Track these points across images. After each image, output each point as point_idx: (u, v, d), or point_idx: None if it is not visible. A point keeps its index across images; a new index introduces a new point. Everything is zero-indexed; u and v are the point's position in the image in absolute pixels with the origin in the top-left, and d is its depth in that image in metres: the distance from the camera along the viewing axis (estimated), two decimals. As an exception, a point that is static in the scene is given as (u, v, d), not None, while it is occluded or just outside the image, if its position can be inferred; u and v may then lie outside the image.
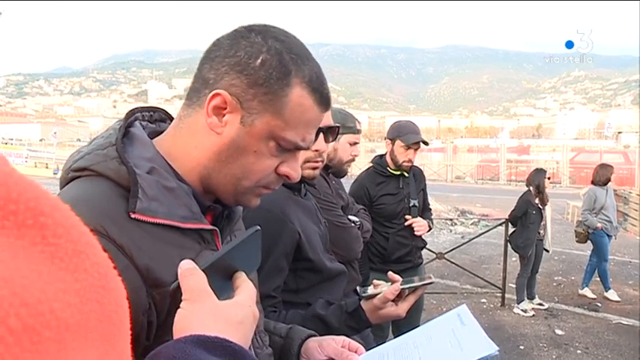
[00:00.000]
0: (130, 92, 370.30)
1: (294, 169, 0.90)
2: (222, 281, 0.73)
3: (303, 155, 1.53)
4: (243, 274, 0.75)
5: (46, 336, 0.27)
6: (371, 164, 3.56)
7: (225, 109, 0.83)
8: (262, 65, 0.82)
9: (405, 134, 3.32)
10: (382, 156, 3.50)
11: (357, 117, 2.72)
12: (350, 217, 2.46)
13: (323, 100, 0.88)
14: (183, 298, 0.67)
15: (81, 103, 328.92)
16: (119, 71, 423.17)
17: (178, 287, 0.68)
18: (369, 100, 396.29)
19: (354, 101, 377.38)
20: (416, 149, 3.34)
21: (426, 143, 3.41)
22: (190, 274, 0.68)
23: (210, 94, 0.83)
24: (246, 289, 0.73)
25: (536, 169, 6.51)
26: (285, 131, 0.85)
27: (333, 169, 2.54)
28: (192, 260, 0.71)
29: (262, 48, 0.83)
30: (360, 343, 1.14)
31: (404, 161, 3.33)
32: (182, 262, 0.70)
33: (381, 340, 2.62)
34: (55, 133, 39.58)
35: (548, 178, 6.11)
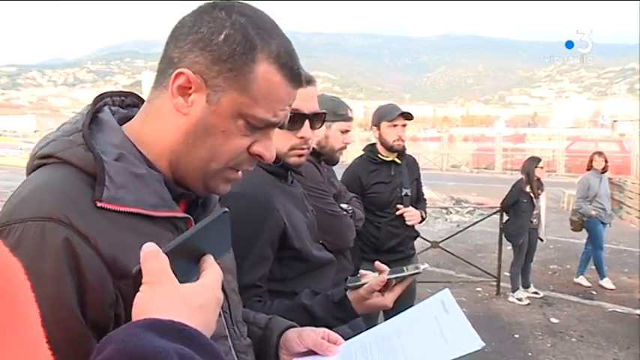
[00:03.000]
0: (125, 83, 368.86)
1: (266, 149, 0.86)
2: (188, 264, 0.70)
3: (288, 142, 1.49)
4: (211, 257, 0.72)
5: None
6: (363, 152, 3.51)
7: (190, 88, 0.80)
8: (225, 41, 0.79)
9: (388, 112, 3.29)
10: (373, 144, 3.45)
11: (353, 106, 2.69)
12: (342, 205, 2.43)
13: (293, 75, 0.84)
14: (143, 281, 0.64)
15: (75, 94, 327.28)
16: (113, 62, 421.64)
17: (140, 271, 0.65)
18: (364, 89, 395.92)
19: (349, 90, 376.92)
20: (403, 125, 3.27)
21: (410, 116, 3.34)
22: (152, 257, 0.64)
23: (174, 74, 0.80)
24: (211, 271, 0.70)
25: (530, 157, 6.52)
26: (253, 109, 0.81)
27: (325, 157, 2.50)
28: (157, 244, 0.67)
29: (225, 23, 0.79)
30: (350, 333, 1.11)
31: (394, 141, 3.26)
32: (145, 245, 0.66)
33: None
34: (51, 128, 39.38)
35: (542, 167, 6.07)
